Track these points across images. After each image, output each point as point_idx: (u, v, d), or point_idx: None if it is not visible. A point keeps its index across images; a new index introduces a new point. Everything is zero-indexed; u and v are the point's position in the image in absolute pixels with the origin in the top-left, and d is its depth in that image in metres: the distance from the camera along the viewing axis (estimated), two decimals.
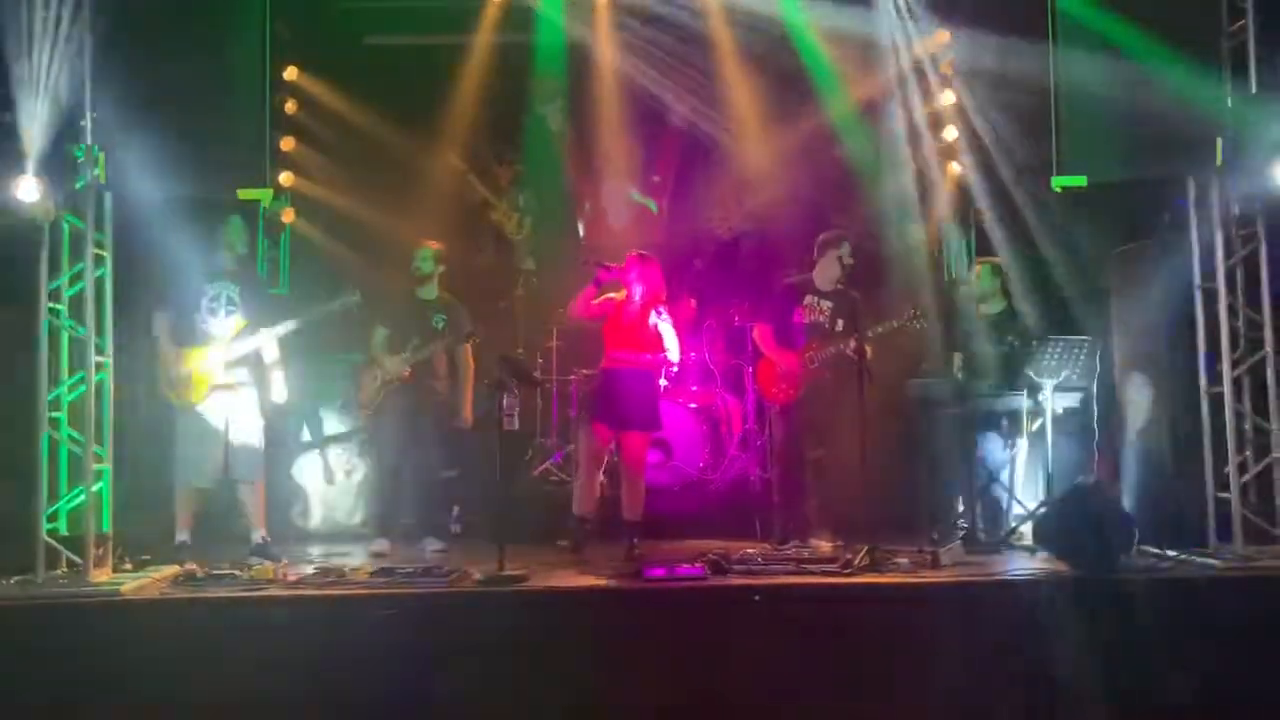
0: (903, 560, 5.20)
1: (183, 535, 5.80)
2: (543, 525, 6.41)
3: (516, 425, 7.58)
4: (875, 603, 4.78)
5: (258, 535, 5.91)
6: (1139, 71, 5.54)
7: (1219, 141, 5.40)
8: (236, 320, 5.87)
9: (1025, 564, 5.28)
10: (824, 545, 5.85)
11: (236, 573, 5.14)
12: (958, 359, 6.30)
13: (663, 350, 6.09)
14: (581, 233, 8.71)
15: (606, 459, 6.19)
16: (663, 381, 7.63)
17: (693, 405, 7.59)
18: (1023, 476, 6.17)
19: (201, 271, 5.90)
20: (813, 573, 5.05)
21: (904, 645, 4.59)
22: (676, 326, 7.61)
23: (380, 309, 6.44)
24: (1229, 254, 5.54)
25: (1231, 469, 5.42)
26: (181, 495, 5.84)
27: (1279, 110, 5.29)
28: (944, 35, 7.73)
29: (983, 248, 7.42)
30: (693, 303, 7.86)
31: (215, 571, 5.17)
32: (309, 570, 5.29)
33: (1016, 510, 6.02)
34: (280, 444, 6.80)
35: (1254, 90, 5.43)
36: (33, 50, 5.14)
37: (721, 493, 7.27)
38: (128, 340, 5.82)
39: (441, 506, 6.69)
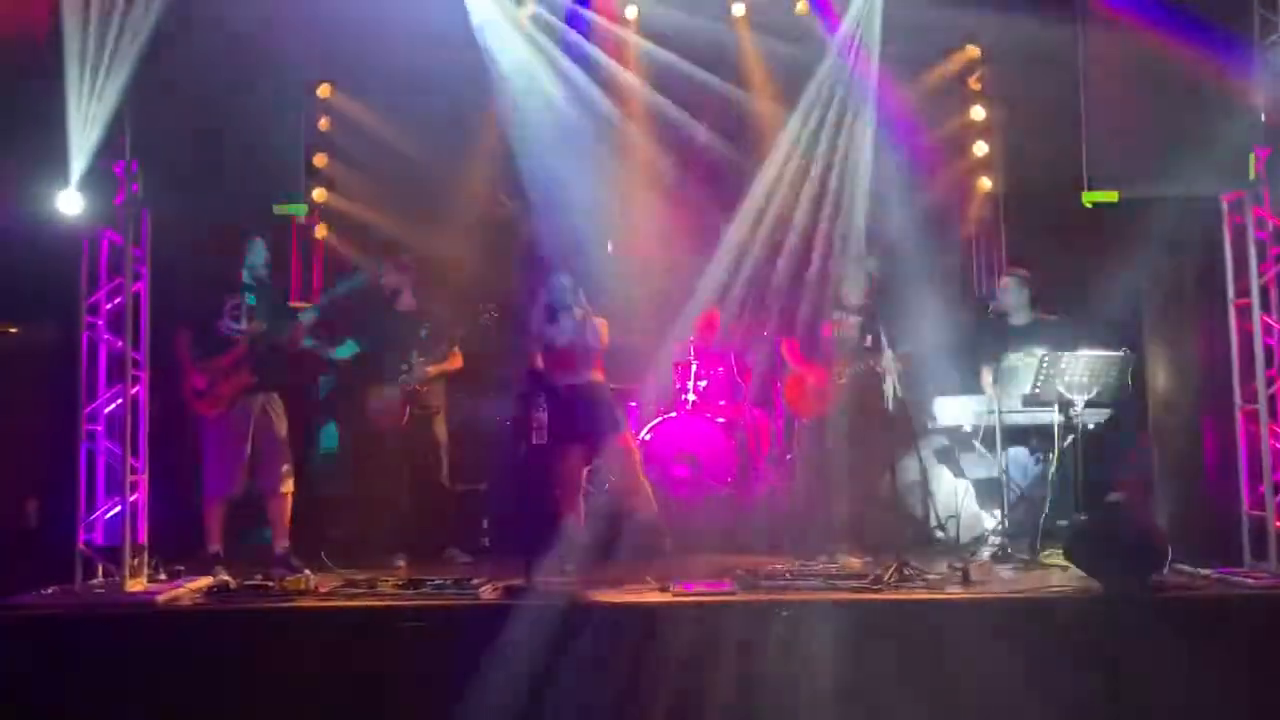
0: (932, 576, 5.18)
1: (215, 546, 5.86)
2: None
3: (545, 439, 7.59)
4: (904, 618, 4.75)
5: (279, 547, 5.95)
6: (1170, 85, 5.52)
7: (1251, 157, 5.36)
8: (259, 325, 5.93)
9: (1056, 581, 5.24)
10: (853, 561, 5.83)
11: (269, 584, 5.20)
12: (987, 374, 6.27)
13: (599, 360, 6.06)
14: (610, 249, 8.74)
15: (585, 477, 6.20)
16: (691, 396, 7.67)
17: (721, 420, 7.60)
18: (1054, 492, 6.11)
19: (221, 284, 5.98)
20: (841, 588, 5.03)
21: (933, 661, 4.57)
22: (704, 341, 7.64)
23: (366, 334, 6.48)
24: (1263, 270, 5.49)
25: (1266, 487, 5.36)
26: (210, 506, 5.90)
27: None
28: (974, 50, 7.75)
29: (1012, 262, 7.40)
30: (718, 314, 7.87)
31: (248, 582, 5.23)
32: (339, 582, 5.33)
33: (1048, 526, 5.97)
34: None
35: None
36: (82, 67, 5.26)
37: (750, 508, 7.25)
38: (162, 352, 5.90)
39: (470, 519, 6.72)
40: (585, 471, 6.19)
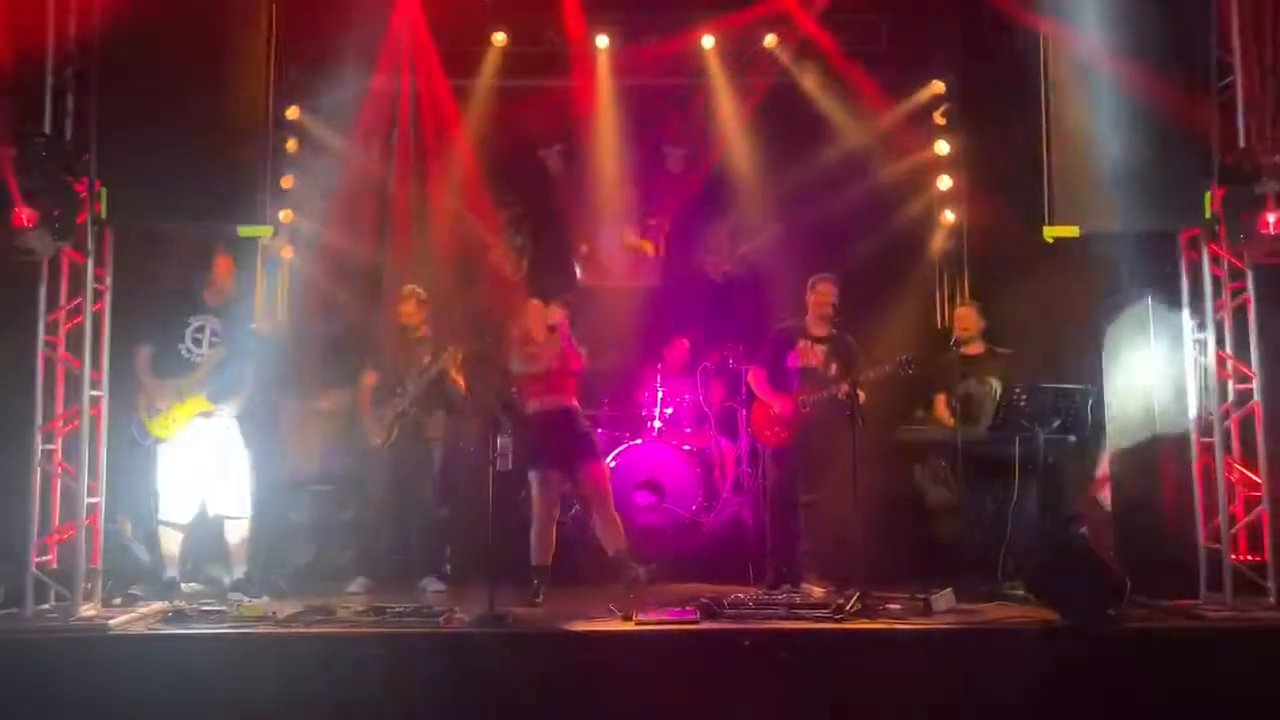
0: (894, 606, 5.19)
1: (171, 571, 5.77)
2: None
3: (510, 465, 7.57)
4: (866, 649, 4.76)
5: (239, 571, 5.88)
6: (1130, 123, 5.62)
7: (1207, 195, 5.46)
8: (219, 352, 5.88)
9: (1017, 612, 5.27)
10: (816, 590, 5.85)
11: (225, 609, 5.12)
12: (941, 402, 6.33)
13: (574, 384, 6.05)
14: (578, 274, 8.77)
15: (559, 506, 6.17)
16: (656, 423, 7.67)
17: (687, 447, 7.60)
18: (1015, 524, 6.15)
19: (186, 304, 5.92)
20: (804, 618, 5.04)
21: (895, 691, 4.58)
22: (671, 368, 7.67)
23: (368, 355, 6.45)
24: (1219, 306, 5.59)
25: (1222, 520, 5.43)
26: (165, 531, 5.80)
27: (1267, 165, 5.36)
28: (938, 85, 7.88)
29: (974, 294, 7.49)
30: (686, 343, 7.89)
31: (204, 608, 5.15)
32: (298, 608, 5.26)
33: (1008, 558, 6.00)
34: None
35: (1242, 145, 5.51)
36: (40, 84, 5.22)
37: (714, 536, 7.26)
38: (121, 373, 5.82)
39: (438, 546, 6.68)
40: (559, 499, 6.13)
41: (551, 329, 6.02)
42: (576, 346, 6.04)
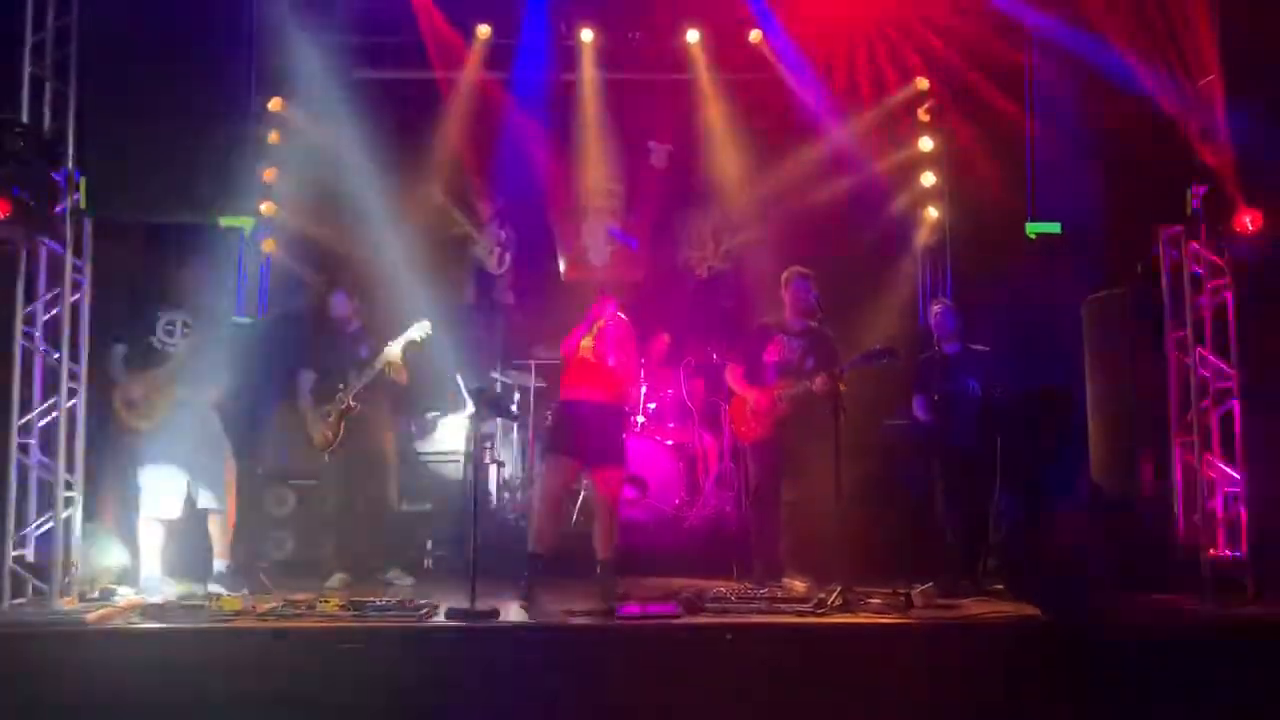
0: (875, 601, 5.20)
1: (150, 565, 5.73)
2: (517, 561, 6.36)
3: (497, 459, 7.57)
4: (847, 643, 4.77)
5: (220, 564, 5.84)
6: (1112, 122, 5.66)
7: (1188, 193, 5.50)
8: (192, 340, 5.84)
9: (998, 608, 5.29)
10: (797, 585, 5.86)
11: (203, 604, 5.09)
12: (919, 402, 6.35)
13: (621, 388, 5.99)
14: (561, 268, 8.76)
15: (568, 495, 6.09)
16: (640, 419, 7.67)
17: (669, 442, 7.60)
18: (996, 520, 6.19)
19: (153, 299, 5.89)
20: (785, 612, 5.05)
21: (875, 686, 4.59)
22: (651, 362, 7.65)
23: (305, 355, 6.42)
24: (1199, 304, 5.62)
25: (1201, 517, 5.46)
26: (145, 525, 5.75)
27: (1247, 163, 5.39)
28: (923, 82, 7.90)
29: (957, 291, 7.53)
30: (666, 338, 7.89)
31: (182, 602, 5.12)
32: (276, 602, 5.23)
33: (989, 554, 6.03)
34: None
35: (1221, 143, 5.54)
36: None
37: (697, 530, 7.26)
38: (98, 366, 5.78)
39: (412, 540, 6.64)
40: (566, 489, 6.05)
41: (596, 322, 5.91)
42: (621, 345, 5.88)
